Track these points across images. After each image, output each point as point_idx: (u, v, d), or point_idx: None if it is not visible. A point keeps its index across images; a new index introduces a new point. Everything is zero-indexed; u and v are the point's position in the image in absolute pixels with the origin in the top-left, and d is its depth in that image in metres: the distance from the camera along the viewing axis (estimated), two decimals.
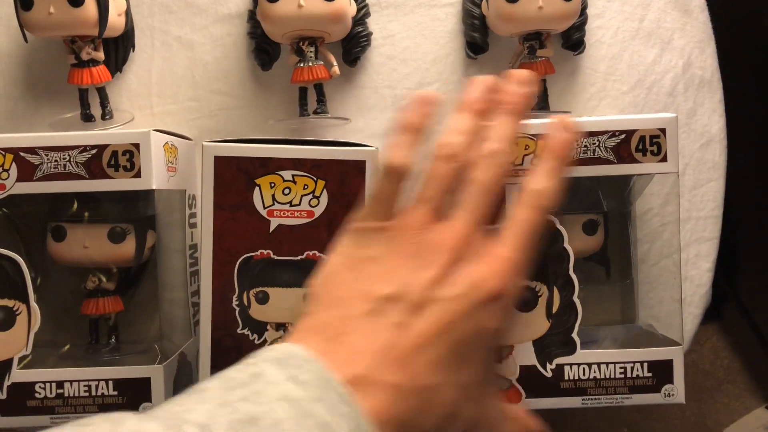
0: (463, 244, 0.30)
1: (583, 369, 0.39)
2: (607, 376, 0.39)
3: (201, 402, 0.25)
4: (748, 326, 1.08)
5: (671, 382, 0.40)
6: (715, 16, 0.51)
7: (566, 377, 0.39)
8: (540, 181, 0.33)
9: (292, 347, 0.28)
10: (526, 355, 0.39)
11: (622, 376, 0.40)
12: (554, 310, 0.39)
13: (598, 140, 0.40)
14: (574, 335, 0.39)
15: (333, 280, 0.32)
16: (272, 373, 0.26)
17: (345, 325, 0.29)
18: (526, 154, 0.40)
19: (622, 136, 0.40)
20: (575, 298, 0.39)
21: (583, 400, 0.40)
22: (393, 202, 0.32)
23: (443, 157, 0.33)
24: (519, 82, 0.34)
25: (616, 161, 0.40)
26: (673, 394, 0.39)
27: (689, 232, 0.51)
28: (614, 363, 0.39)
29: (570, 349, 0.39)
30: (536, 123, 0.40)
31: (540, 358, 0.39)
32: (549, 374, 0.39)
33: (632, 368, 0.40)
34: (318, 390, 0.26)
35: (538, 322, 0.39)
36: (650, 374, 0.40)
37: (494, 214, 0.32)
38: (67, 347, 0.46)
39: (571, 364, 0.39)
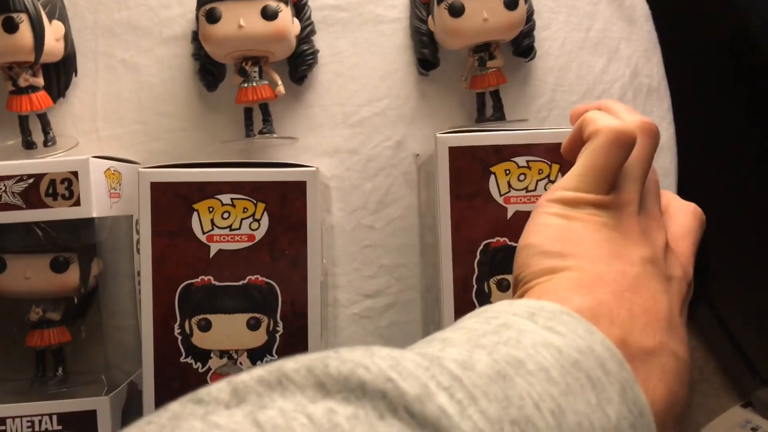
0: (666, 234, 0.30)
1: None
2: None
3: (451, 345, 0.22)
4: (720, 327, 1.09)
5: None
6: (659, 25, 0.52)
7: None
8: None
9: (539, 301, 0.24)
10: None
11: None
12: None
13: None
14: None
15: (575, 238, 0.28)
16: (524, 323, 0.23)
17: (624, 281, 0.26)
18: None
19: None
20: None
21: None
22: (614, 175, 0.29)
23: (650, 135, 0.30)
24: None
25: None
26: None
27: None
28: None
29: None
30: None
31: None
32: None
33: None
34: (583, 342, 0.22)
35: None
36: None
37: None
38: None
39: None
